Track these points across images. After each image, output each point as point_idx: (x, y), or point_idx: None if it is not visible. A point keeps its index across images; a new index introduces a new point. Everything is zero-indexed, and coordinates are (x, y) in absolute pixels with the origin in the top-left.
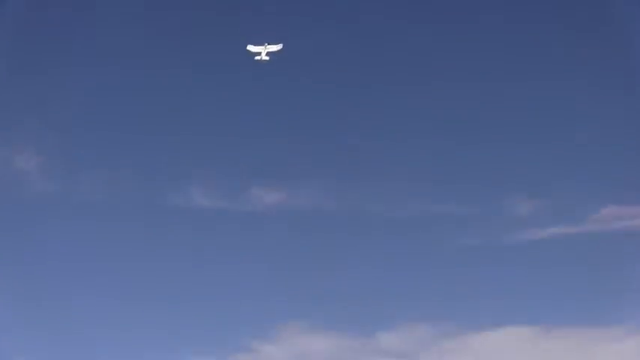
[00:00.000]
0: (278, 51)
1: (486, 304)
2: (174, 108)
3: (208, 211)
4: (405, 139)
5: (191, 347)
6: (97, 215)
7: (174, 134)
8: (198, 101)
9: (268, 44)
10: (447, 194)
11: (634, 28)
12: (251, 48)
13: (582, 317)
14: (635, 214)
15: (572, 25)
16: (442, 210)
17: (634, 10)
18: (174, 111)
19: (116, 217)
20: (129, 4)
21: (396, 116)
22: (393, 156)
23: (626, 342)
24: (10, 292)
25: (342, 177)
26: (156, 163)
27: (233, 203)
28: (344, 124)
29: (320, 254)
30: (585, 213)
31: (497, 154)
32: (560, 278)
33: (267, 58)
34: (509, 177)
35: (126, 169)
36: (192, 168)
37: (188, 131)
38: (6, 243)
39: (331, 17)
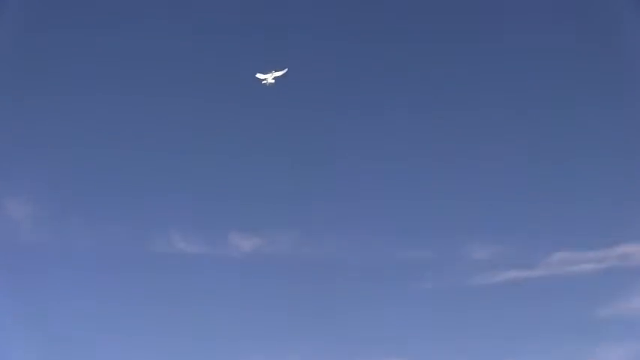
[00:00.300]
0: (283, 75)
1: (449, 343)
2: (157, 159)
3: (190, 257)
4: (373, 191)
5: None
6: (86, 262)
7: (159, 184)
8: (179, 155)
9: (275, 71)
10: (412, 241)
11: None
12: (259, 75)
13: (537, 355)
14: (582, 259)
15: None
16: (408, 256)
17: None
18: (156, 161)
19: (105, 263)
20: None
21: (362, 172)
22: (361, 207)
23: None
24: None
25: (316, 226)
26: (141, 211)
27: (213, 249)
28: (315, 180)
29: (294, 298)
30: (537, 258)
31: (458, 204)
32: (516, 319)
33: (273, 81)
34: (469, 225)
35: (113, 217)
36: (174, 216)
37: (171, 181)
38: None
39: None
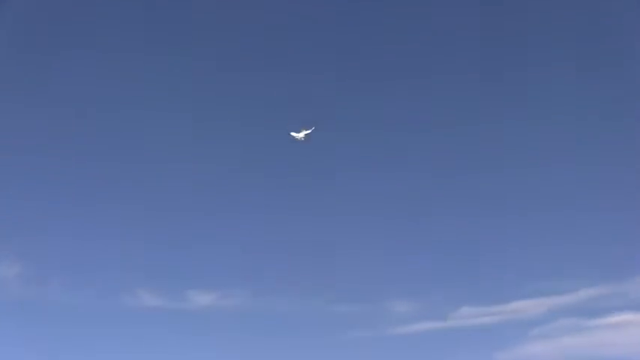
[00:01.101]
0: (311, 132)
1: None
2: (125, 223)
3: (154, 310)
4: (314, 255)
5: None
6: (66, 315)
7: (127, 246)
8: (137, 220)
9: (305, 129)
10: (345, 297)
11: None
12: (293, 134)
13: None
14: (484, 312)
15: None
16: (341, 309)
17: None
18: (125, 225)
19: (81, 317)
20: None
21: (304, 239)
22: (304, 267)
23: None
24: None
25: (265, 284)
26: (112, 270)
27: (174, 303)
28: (264, 242)
29: (243, 347)
30: (447, 311)
31: (383, 266)
32: None
33: (303, 138)
34: (391, 283)
35: (89, 276)
36: (142, 274)
37: (138, 242)
38: None
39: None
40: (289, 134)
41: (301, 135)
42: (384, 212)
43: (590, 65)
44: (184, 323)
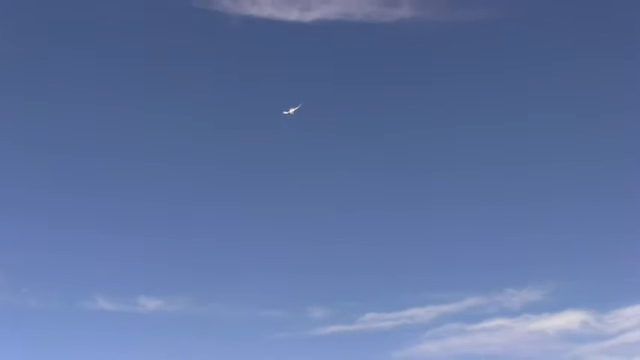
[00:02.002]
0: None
1: None
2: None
3: (109, 313)
4: (248, 267)
5: None
6: (35, 317)
7: (86, 254)
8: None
9: (293, 107)
10: (272, 304)
11: None
12: (285, 112)
13: None
14: (384, 318)
15: None
16: (269, 314)
17: None
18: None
19: (47, 319)
20: None
21: (241, 251)
22: (238, 277)
23: None
24: None
25: (205, 291)
26: (74, 277)
27: (127, 307)
28: (201, 254)
29: (185, 347)
30: (355, 317)
31: (304, 280)
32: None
33: (292, 113)
34: (308, 291)
35: (55, 283)
36: (99, 281)
37: (96, 252)
38: None
39: None
40: (283, 112)
41: (292, 111)
42: (299, 237)
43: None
44: (136, 326)
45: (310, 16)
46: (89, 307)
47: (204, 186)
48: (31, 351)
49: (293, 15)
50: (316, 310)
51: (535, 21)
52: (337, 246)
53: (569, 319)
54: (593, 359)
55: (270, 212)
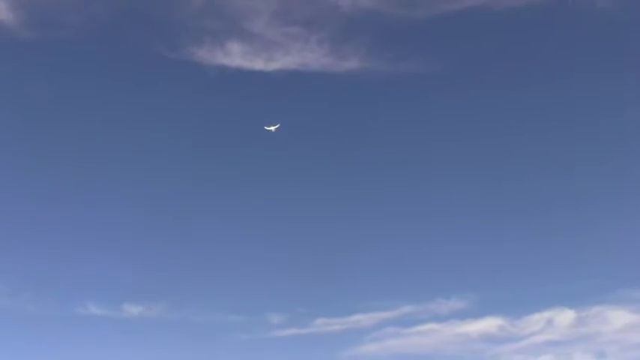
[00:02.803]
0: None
1: None
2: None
3: (97, 318)
4: (220, 274)
5: None
6: (33, 322)
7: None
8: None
9: (274, 125)
10: (236, 309)
11: None
12: (266, 128)
13: None
14: (333, 322)
15: None
16: (233, 319)
17: None
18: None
19: (45, 324)
20: None
21: (216, 257)
22: (210, 283)
23: None
24: None
25: (179, 298)
26: (66, 284)
27: (114, 313)
28: (177, 265)
29: (163, 349)
30: (308, 321)
31: (260, 288)
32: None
33: (274, 130)
34: (266, 298)
35: (49, 288)
36: (89, 286)
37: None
38: None
39: None
40: (264, 128)
41: (272, 128)
42: (262, 251)
43: None
44: (120, 329)
45: (273, 66)
46: (81, 312)
47: (181, 200)
48: (31, 356)
49: (259, 65)
50: (274, 315)
51: (465, 73)
52: (293, 257)
53: (489, 324)
54: (507, 357)
55: (237, 227)
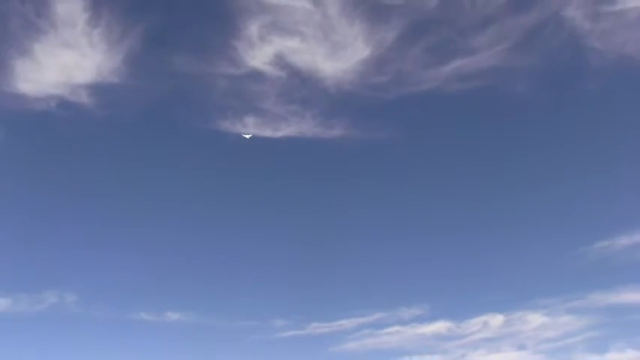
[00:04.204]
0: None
1: None
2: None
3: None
4: (232, 278)
5: None
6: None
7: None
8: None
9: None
10: (245, 315)
11: None
12: (244, 135)
13: None
14: (325, 326)
15: None
16: (243, 324)
17: None
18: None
19: (109, 329)
20: None
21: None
22: (226, 293)
23: None
24: None
25: (195, 304)
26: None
27: (159, 318)
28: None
29: (179, 351)
30: (305, 325)
31: (265, 296)
32: None
33: (249, 137)
34: (272, 307)
35: (110, 297)
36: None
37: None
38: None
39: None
40: (241, 135)
41: (248, 136)
42: (268, 266)
43: None
44: (164, 333)
45: (278, 134)
46: (135, 318)
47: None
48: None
49: (268, 133)
50: (278, 320)
51: (421, 139)
52: (293, 274)
53: (440, 326)
54: (454, 351)
55: (243, 243)
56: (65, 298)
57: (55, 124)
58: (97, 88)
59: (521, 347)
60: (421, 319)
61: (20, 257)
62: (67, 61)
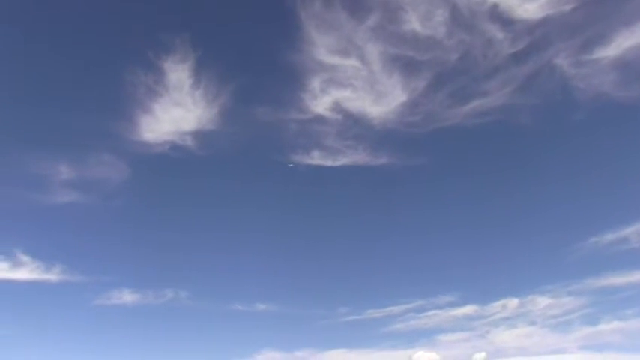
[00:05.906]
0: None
1: None
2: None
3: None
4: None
5: None
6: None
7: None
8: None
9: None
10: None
11: None
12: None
13: None
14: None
15: None
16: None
17: None
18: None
19: (201, 318)
20: None
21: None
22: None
23: None
24: None
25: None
26: (216, 286)
27: (249, 308)
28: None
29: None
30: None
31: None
32: None
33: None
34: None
35: (202, 289)
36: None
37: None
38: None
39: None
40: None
41: (291, 165)
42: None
43: None
44: (253, 321)
45: (337, 164)
46: (232, 308)
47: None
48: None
49: (329, 163)
50: (341, 307)
51: (451, 165)
52: (351, 267)
53: (468, 309)
54: (480, 328)
55: (314, 248)
56: (179, 294)
57: (168, 163)
58: (198, 135)
59: (532, 323)
60: (453, 304)
61: (147, 262)
62: (176, 115)
